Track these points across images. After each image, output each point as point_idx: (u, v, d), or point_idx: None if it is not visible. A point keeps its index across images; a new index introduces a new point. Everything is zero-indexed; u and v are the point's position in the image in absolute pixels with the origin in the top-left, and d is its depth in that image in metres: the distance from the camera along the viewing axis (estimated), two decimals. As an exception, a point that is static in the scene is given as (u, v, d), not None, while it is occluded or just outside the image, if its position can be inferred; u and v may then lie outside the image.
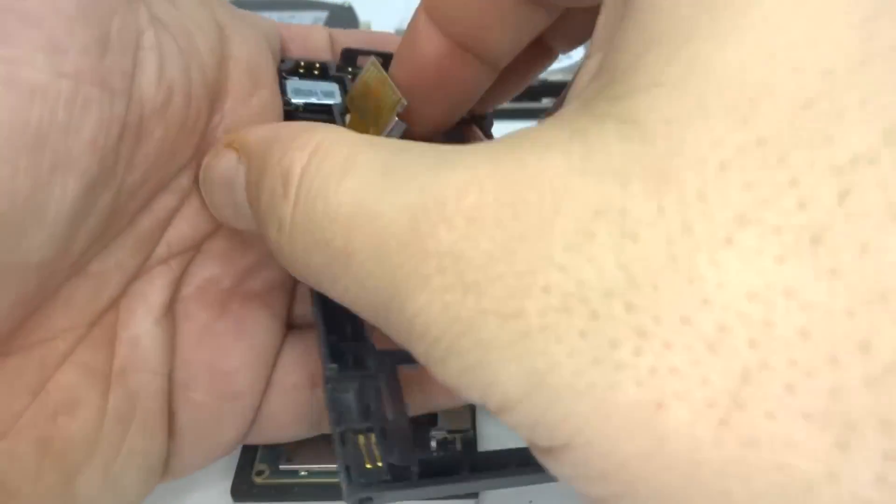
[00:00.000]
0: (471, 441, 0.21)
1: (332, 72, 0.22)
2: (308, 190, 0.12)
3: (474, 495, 0.20)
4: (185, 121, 0.16)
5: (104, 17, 0.13)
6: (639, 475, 0.09)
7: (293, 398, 0.19)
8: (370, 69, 0.19)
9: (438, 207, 0.11)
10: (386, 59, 0.20)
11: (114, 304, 0.16)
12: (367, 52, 0.22)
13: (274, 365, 0.19)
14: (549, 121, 0.11)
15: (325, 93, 0.21)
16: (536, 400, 0.10)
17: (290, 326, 0.21)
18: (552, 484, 0.19)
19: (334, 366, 0.15)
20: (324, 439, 0.21)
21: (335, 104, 0.21)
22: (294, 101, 0.20)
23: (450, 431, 0.21)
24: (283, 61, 0.21)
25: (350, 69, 0.22)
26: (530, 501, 0.20)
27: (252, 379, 0.18)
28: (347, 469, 0.14)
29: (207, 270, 0.18)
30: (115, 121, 0.13)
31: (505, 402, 0.10)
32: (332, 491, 0.20)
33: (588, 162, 0.10)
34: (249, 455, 0.21)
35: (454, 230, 0.10)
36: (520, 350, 0.10)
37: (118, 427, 0.16)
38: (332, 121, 0.20)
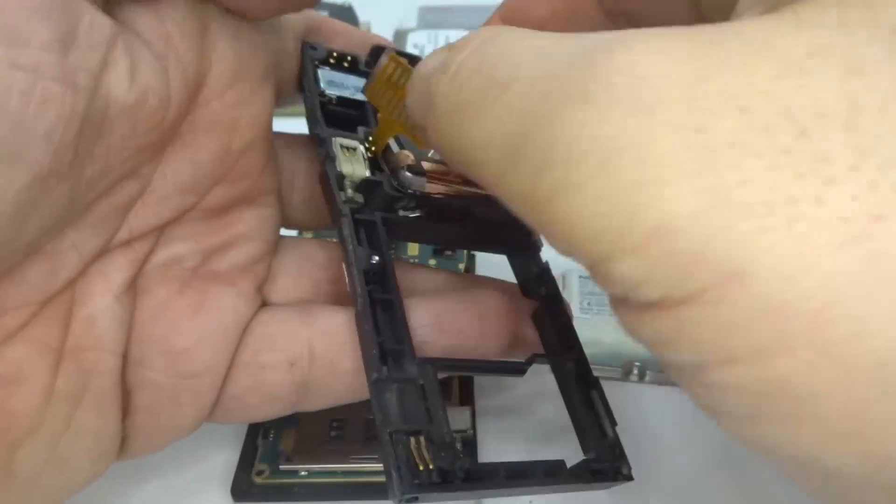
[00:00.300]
0: (471, 441, 0.21)
1: (362, 66, 0.22)
2: (484, 41, 0.13)
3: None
4: (161, 120, 0.16)
5: (71, 16, 0.13)
6: (835, 298, 0.09)
7: (265, 378, 0.19)
8: (391, 63, 0.18)
9: (618, 42, 0.11)
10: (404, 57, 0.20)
11: (71, 283, 0.16)
12: (403, 54, 0.22)
13: (240, 343, 0.19)
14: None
15: (356, 88, 0.21)
16: (715, 218, 0.09)
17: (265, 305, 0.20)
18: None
19: (384, 368, 0.16)
20: (324, 439, 0.21)
21: (366, 102, 0.20)
22: (328, 92, 0.20)
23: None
24: (313, 48, 0.21)
25: None
26: (530, 501, 0.20)
27: (211, 358, 0.18)
28: (399, 468, 0.14)
29: (171, 250, 0.18)
30: (74, 117, 0.13)
31: (671, 223, 0.09)
32: (332, 491, 0.20)
33: (801, 20, 0.10)
34: (249, 455, 0.21)
35: (634, 55, 0.10)
36: (701, 166, 0.09)
37: (66, 404, 0.16)
38: (363, 117, 0.20)
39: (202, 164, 0.17)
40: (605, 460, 0.18)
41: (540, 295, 0.21)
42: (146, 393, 0.17)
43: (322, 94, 0.20)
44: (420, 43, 0.46)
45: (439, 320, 0.19)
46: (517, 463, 0.16)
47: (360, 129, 0.20)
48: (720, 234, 0.09)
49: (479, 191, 0.20)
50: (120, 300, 0.17)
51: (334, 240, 0.21)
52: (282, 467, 0.20)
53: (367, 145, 0.19)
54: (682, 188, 0.09)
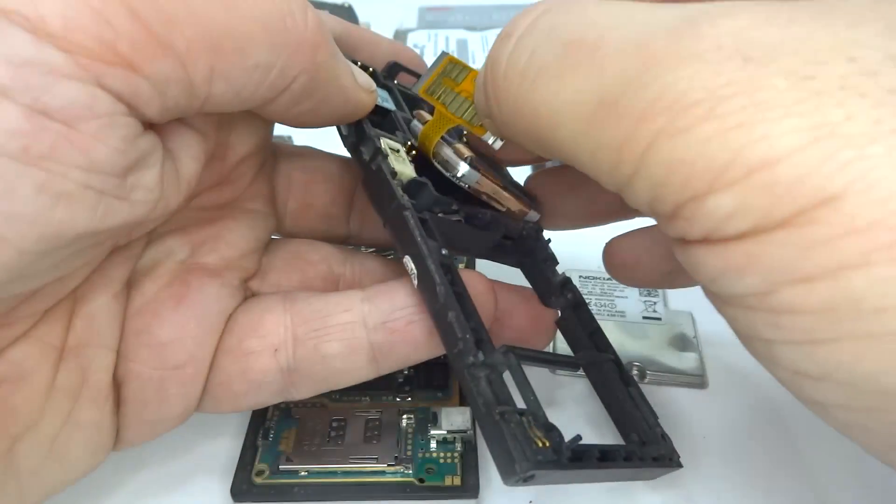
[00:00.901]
0: (470, 441, 0.21)
1: (381, 79, 0.23)
2: (548, 10, 0.15)
3: (475, 495, 0.20)
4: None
5: (136, 147, 0.15)
6: None
7: (250, 364, 0.19)
8: (449, 61, 0.20)
9: (719, 11, 0.12)
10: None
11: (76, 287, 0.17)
12: (412, 72, 0.23)
13: (224, 333, 0.19)
14: None
15: (382, 97, 0.21)
16: (818, 150, 0.11)
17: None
18: (552, 485, 0.19)
19: (480, 353, 0.16)
20: (323, 439, 0.21)
21: (394, 111, 0.21)
22: None
23: (450, 431, 0.21)
24: None
25: (395, 81, 0.23)
26: (530, 501, 0.20)
27: (194, 349, 0.18)
28: (519, 445, 0.14)
29: (162, 246, 0.19)
30: (123, 216, 0.15)
31: (776, 156, 0.11)
32: (332, 491, 0.20)
33: None
34: (249, 455, 0.21)
35: (740, 21, 0.12)
36: (809, 106, 0.11)
37: (66, 400, 0.16)
38: (391, 125, 0.21)
39: (188, 179, 0.17)
40: (661, 450, 0.18)
41: (566, 301, 0.21)
42: (134, 385, 0.18)
43: None
44: (420, 43, 0.46)
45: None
46: (604, 446, 0.17)
47: (399, 134, 0.20)
48: (821, 163, 0.11)
49: (514, 195, 0.20)
50: (117, 297, 0.17)
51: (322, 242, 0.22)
52: (282, 467, 0.20)
53: (406, 148, 0.20)
54: (790, 126, 0.11)
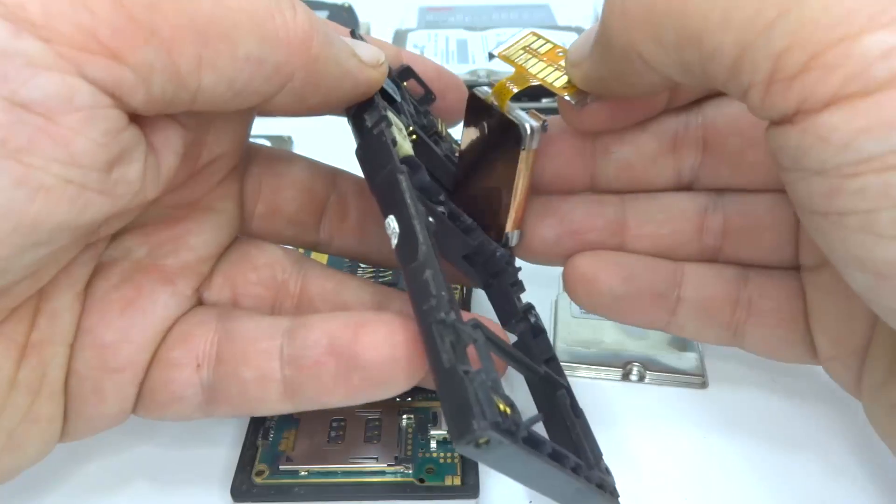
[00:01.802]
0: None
1: (393, 75, 0.23)
2: None
3: (475, 494, 0.20)
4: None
5: (121, 142, 0.15)
6: None
7: (173, 375, 0.18)
8: (531, 35, 0.21)
9: None
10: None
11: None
12: (423, 83, 0.24)
13: (163, 340, 0.19)
14: None
15: (392, 89, 0.22)
16: None
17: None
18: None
19: (452, 313, 0.15)
20: (323, 439, 0.21)
21: (400, 101, 0.21)
22: None
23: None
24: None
25: (405, 83, 0.23)
26: (530, 501, 0.20)
27: (134, 355, 0.18)
28: (480, 403, 0.13)
29: (122, 245, 0.19)
30: (105, 213, 0.15)
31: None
32: (333, 491, 0.20)
33: None
34: (249, 455, 0.21)
35: None
36: None
37: (26, 395, 0.16)
38: (396, 109, 0.21)
39: (167, 174, 0.17)
40: (604, 480, 0.18)
41: (527, 326, 0.21)
42: (74, 382, 0.18)
43: None
44: (420, 43, 0.46)
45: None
46: (557, 446, 0.15)
47: (402, 118, 0.21)
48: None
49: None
50: (79, 295, 0.18)
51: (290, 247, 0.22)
52: (282, 467, 0.20)
53: (408, 131, 0.20)
54: None
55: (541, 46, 0.21)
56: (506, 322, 0.21)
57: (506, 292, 0.21)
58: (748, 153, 0.21)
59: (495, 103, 0.20)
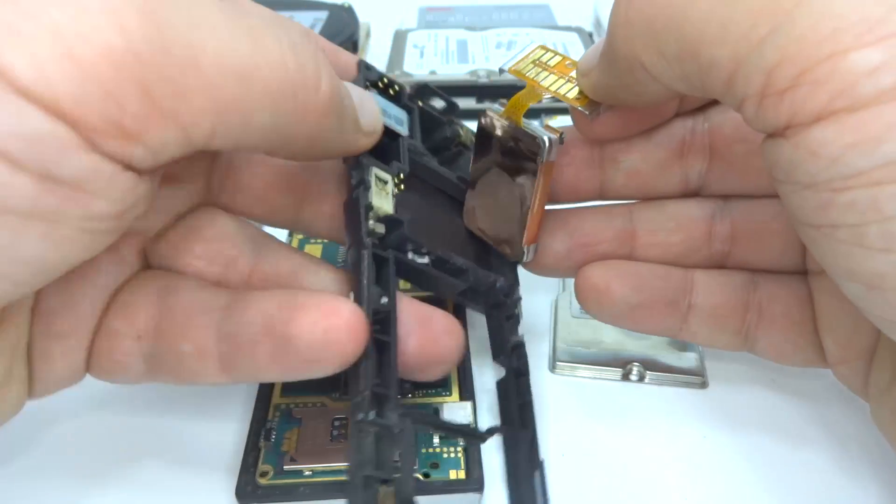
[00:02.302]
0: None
1: (405, 99, 0.23)
2: None
3: (480, 487, 0.20)
4: None
5: (125, 196, 0.15)
6: None
7: (116, 344, 0.19)
8: (540, 49, 0.22)
9: None
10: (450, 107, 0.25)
11: None
12: (441, 95, 0.24)
13: (108, 308, 0.19)
14: None
15: (398, 119, 0.22)
16: None
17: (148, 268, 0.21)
18: (553, 484, 0.19)
19: (372, 412, 0.16)
20: (326, 438, 0.21)
21: (403, 137, 0.22)
22: None
23: (451, 429, 0.22)
24: (368, 68, 0.22)
25: (420, 102, 0.24)
26: (532, 500, 0.21)
27: (77, 321, 0.18)
28: None
29: None
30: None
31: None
32: (338, 490, 0.20)
33: None
34: (252, 456, 0.21)
35: None
36: None
37: (8, 359, 0.17)
38: (396, 151, 0.21)
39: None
40: None
41: (510, 366, 0.21)
42: (30, 345, 0.18)
43: None
44: (420, 43, 0.46)
45: None
46: None
47: (395, 164, 0.21)
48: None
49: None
50: None
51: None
52: (286, 467, 0.21)
53: (396, 181, 0.20)
54: None
55: (550, 59, 0.21)
56: (495, 356, 0.22)
57: (500, 326, 0.22)
58: (754, 159, 0.21)
59: (510, 119, 0.21)
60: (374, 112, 0.20)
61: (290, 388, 0.23)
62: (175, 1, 0.14)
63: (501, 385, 0.22)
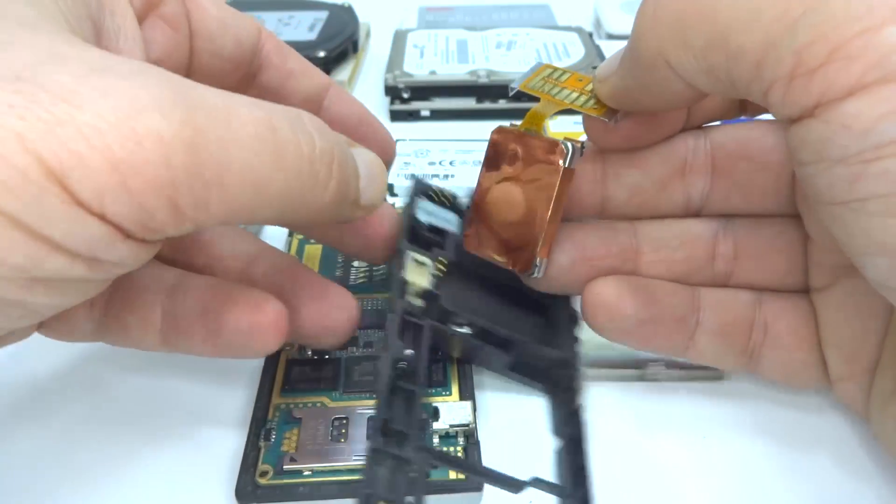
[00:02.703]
0: (472, 435, 0.21)
1: (457, 205, 0.25)
2: None
3: (479, 487, 0.20)
4: None
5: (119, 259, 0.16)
6: None
7: (69, 309, 0.19)
8: (546, 70, 0.22)
9: None
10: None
11: None
12: (440, 193, 0.25)
13: None
14: None
15: (447, 220, 0.24)
16: None
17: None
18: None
19: (381, 439, 0.17)
20: (326, 438, 0.21)
21: (450, 232, 0.23)
22: (422, 219, 0.23)
23: (452, 426, 0.21)
24: (420, 182, 0.25)
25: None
26: (530, 501, 0.20)
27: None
28: None
29: None
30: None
31: None
32: (338, 489, 0.20)
33: None
34: (252, 456, 0.21)
35: None
36: None
37: None
38: (442, 243, 0.23)
39: None
40: None
41: (566, 435, 0.21)
42: None
43: (415, 218, 0.23)
44: (420, 43, 0.46)
45: None
46: None
47: (435, 251, 0.22)
48: None
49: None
50: None
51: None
52: (286, 468, 0.20)
53: (438, 265, 0.22)
54: None
55: (560, 76, 0.21)
56: (557, 428, 0.22)
57: (561, 399, 0.22)
58: (758, 176, 0.21)
59: (529, 129, 0.21)
60: (378, 187, 0.20)
61: (290, 389, 0.23)
62: (216, 119, 0.15)
63: (558, 456, 0.21)
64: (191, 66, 0.21)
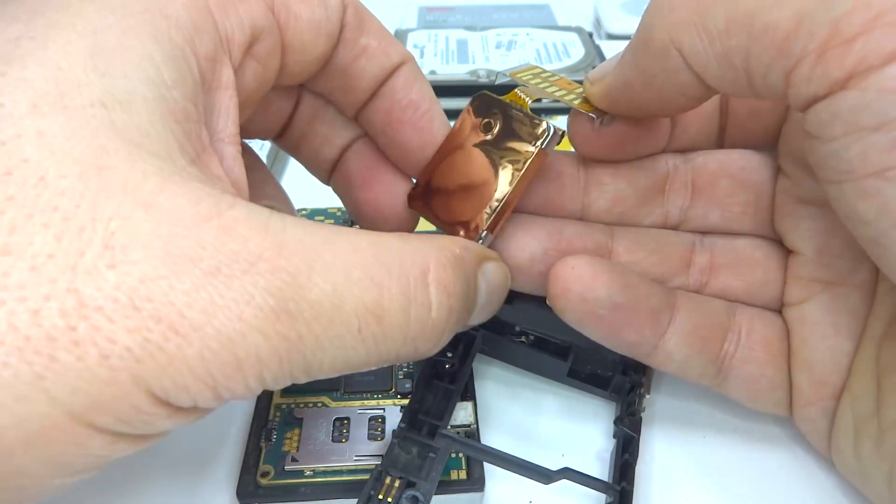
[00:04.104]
0: (473, 435, 0.21)
1: None
2: None
3: (481, 488, 0.20)
4: None
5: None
6: None
7: None
8: (536, 69, 0.22)
9: None
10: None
11: None
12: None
13: None
14: None
15: None
16: None
17: None
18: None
19: (404, 425, 0.19)
20: (327, 438, 0.21)
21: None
22: None
23: (453, 426, 0.21)
24: None
25: None
26: (530, 501, 0.20)
27: None
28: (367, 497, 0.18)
29: None
30: None
31: None
32: (339, 489, 0.20)
33: None
34: (253, 457, 0.21)
35: None
36: None
37: None
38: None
39: None
40: None
41: (620, 435, 0.21)
42: None
43: None
44: (420, 43, 0.46)
45: None
46: None
47: None
48: None
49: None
50: None
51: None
52: (287, 468, 0.21)
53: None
54: None
55: (550, 76, 0.21)
56: (618, 422, 0.22)
57: (628, 401, 0.22)
58: (737, 194, 0.21)
59: (514, 102, 0.21)
60: (493, 309, 0.19)
61: (291, 389, 0.23)
62: (316, 320, 0.14)
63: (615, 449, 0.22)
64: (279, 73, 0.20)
